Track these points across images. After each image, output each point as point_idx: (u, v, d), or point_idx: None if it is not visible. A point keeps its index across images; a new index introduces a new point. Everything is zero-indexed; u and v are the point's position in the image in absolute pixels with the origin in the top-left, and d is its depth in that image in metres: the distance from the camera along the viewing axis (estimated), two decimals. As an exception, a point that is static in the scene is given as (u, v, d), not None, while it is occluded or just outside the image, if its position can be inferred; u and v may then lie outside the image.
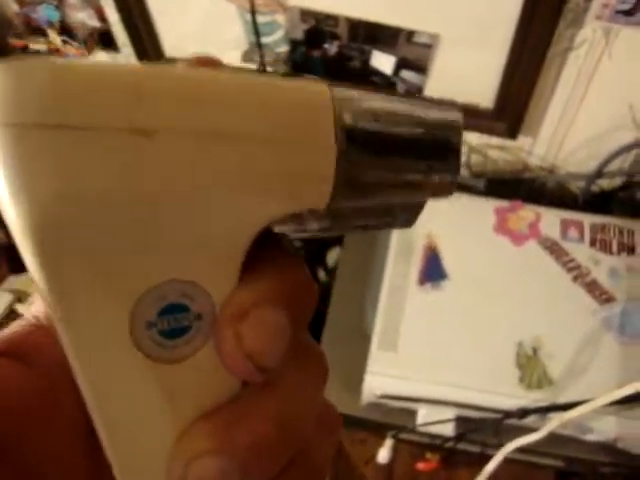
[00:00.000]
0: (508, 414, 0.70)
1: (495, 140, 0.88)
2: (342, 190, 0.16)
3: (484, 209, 0.84)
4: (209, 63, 0.18)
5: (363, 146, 0.15)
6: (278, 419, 0.16)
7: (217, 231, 0.15)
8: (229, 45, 0.84)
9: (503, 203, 0.84)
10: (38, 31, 0.83)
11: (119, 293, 0.14)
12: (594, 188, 0.88)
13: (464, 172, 0.95)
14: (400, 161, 0.16)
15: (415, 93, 0.82)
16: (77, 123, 0.13)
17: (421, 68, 0.79)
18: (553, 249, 0.80)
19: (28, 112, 0.12)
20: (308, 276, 0.17)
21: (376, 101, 0.16)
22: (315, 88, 0.15)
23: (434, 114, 0.17)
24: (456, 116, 0.17)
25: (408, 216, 0.19)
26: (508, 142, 0.88)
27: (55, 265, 0.13)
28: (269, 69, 0.83)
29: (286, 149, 0.15)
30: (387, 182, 0.16)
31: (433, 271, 0.78)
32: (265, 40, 0.80)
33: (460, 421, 0.74)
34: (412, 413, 0.75)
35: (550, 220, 0.83)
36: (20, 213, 0.13)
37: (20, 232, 0.13)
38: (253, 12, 0.75)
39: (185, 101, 0.14)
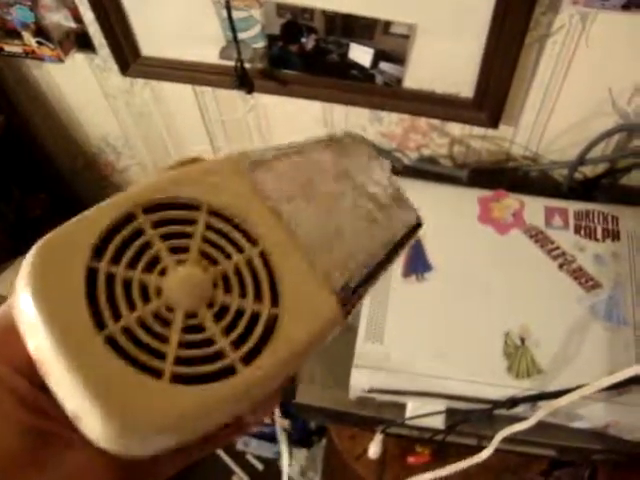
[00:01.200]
0: (497, 404, 0.70)
1: (477, 130, 0.88)
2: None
3: (468, 199, 0.83)
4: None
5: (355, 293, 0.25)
6: None
7: None
8: (206, 42, 0.83)
9: (486, 193, 0.84)
10: (13, 33, 0.83)
11: None
12: (577, 175, 0.88)
13: (447, 163, 0.94)
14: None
15: (394, 86, 0.82)
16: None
17: (399, 59, 0.78)
18: (538, 237, 0.80)
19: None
20: None
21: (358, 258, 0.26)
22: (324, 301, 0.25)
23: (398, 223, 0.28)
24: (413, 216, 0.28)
25: None
26: (490, 132, 0.87)
27: None
28: (247, 65, 0.83)
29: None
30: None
31: (417, 263, 0.78)
32: (242, 36, 0.80)
33: (449, 413, 0.73)
34: (401, 407, 0.74)
35: (534, 208, 0.82)
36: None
37: None
38: (229, 8, 0.75)
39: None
